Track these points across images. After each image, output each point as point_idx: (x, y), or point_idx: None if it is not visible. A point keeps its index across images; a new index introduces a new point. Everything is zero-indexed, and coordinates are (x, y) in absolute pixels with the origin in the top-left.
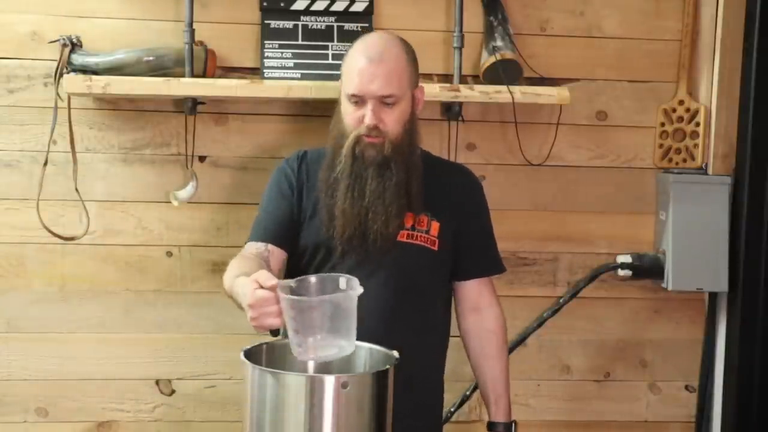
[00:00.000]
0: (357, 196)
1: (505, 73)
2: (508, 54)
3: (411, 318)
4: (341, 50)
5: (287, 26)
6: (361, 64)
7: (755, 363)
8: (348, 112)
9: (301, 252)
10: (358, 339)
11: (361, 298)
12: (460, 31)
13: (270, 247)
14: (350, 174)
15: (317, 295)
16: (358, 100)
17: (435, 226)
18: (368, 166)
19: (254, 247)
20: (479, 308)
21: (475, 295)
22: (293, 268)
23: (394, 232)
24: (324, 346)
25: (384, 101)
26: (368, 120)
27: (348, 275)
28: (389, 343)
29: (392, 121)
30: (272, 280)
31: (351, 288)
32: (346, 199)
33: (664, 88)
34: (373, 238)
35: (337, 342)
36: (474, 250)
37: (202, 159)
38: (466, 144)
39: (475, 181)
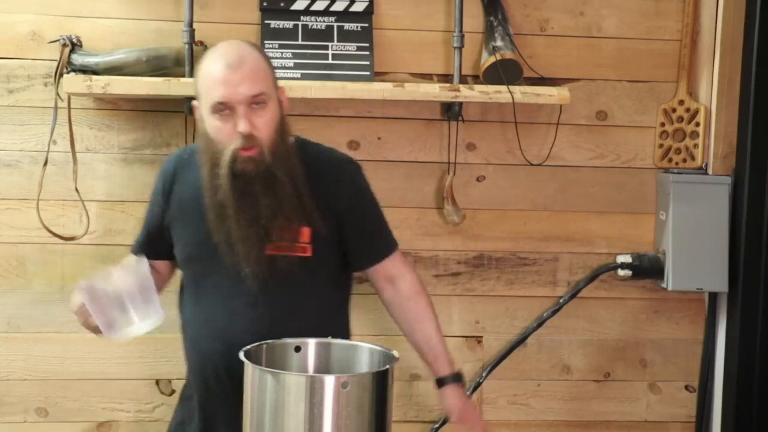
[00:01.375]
0: (251, 218)
1: (505, 73)
2: (508, 54)
3: (291, 333)
4: (341, 50)
5: (287, 26)
6: (222, 73)
7: (755, 363)
8: (216, 127)
9: (180, 267)
10: (230, 368)
11: (235, 320)
12: (460, 31)
13: (153, 262)
14: (234, 194)
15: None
16: (227, 110)
17: (305, 231)
18: (252, 181)
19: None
20: (392, 281)
21: (382, 274)
22: (181, 280)
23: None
24: (126, 323)
25: (255, 102)
26: (242, 127)
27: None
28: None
29: (265, 125)
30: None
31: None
32: (240, 224)
33: (664, 88)
34: (253, 254)
35: (136, 317)
36: (364, 240)
37: None
38: (466, 144)
39: (349, 168)
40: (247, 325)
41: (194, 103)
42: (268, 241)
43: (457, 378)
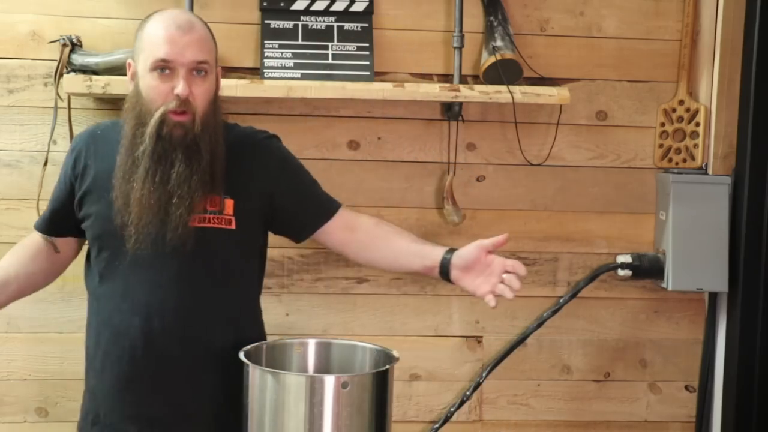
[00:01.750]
0: (159, 182)
1: (505, 73)
2: (508, 54)
3: (213, 311)
4: (341, 50)
5: (287, 26)
6: (171, 32)
7: (755, 363)
8: (152, 86)
9: (91, 242)
10: (148, 341)
11: (154, 294)
12: (460, 31)
13: (51, 238)
14: (152, 155)
15: None
16: (168, 69)
17: (229, 204)
18: (175, 147)
19: (37, 236)
20: (352, 227)
21: (341, 226)
22: (91, 260)
23: (189, 215)
24: None
25: (196, 69)
26: (181, 89)
27: None
28: (193, 337)
29: (202, 94)
30: None
31: None
32: (144, 185)
33: (664, 88)
34: (173, 225)
35: None
36: (306, 205)
37: None
38: (466, 144)
39: (270, 143)
40: (169, 299)
41: (129, 61)
42: (191, 212)
43: (453, 250)
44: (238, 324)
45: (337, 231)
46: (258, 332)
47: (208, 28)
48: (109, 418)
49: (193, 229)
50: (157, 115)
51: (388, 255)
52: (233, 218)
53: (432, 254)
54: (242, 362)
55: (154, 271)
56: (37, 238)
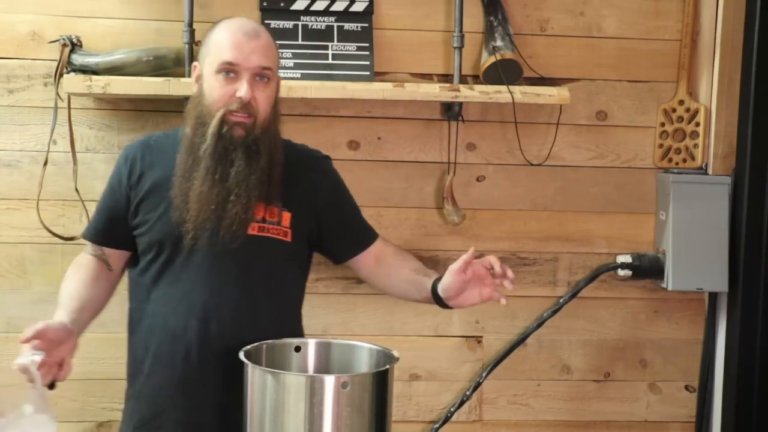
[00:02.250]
0: (218, 179)
1: (505, 73)
2: (508, 54)
3: (264, 317)
4: (341, 50)
5: (287, 26)
6: (238, 37)
7: (755, 363)
8: (216, 87)
9: (146, 248)
10: (204, 343)
11: (211, 296)
12: (460, 31)
13: (106, 249)
14: (213, 154)
15: None
16: (233, 73)
17: (286, 216)
18: (236, 146)
19: (91, 250)
20: (379, 259)
21: (372, 256)
22: (143, 267)
23: (248, 223)
24: None
25: (260, 75)
26: (243, 92)
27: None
28: (245, 342)
29: (264, 100)
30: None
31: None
32: (204, 182)
33: (664, 88)
34: (228, 222)
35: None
36: (349, 230)
37: None
38: (466, 144)
39: (326, 163)
40: (226, 303)
41: (195, 63)
42: (250, 221)
43: (439, 279)
44: (284, 331)
45: (367, 261)
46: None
47: (273, 38)
48: (156, 422)
49: (250, 238)
50: (218, 115)
51: (399, 287)
52: (289, 231)
53: (425, 285)
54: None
55: (213, 275)
56: (88, 260)
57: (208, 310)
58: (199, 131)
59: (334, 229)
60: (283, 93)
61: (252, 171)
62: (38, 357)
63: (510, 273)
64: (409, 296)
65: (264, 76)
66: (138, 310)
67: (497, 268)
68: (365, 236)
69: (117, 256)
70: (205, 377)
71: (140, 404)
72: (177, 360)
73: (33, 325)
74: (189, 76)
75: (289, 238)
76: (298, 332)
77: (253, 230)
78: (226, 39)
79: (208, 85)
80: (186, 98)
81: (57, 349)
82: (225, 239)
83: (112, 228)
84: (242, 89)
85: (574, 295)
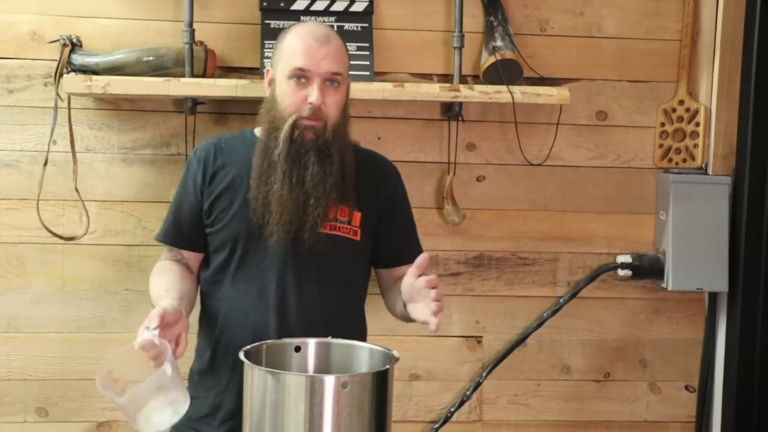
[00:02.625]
0: (296, 183)
1: (505, 73)
2: (508, 54)
3: (336, 312)
4: None
5: (287, 26)
6: (309, 43)
7: (755, 363)
8: (288, 93)
9: (220, 246)
10: (283, 337)
11: (288, 292)
12: (460, 31)
13: (184, 252)
14: (287, 158)
15: None
16: (304, 78)
17: (357, 216)
18: (308, 150)
19: (169, 255)
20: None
21: (397, 275)
22: (217, 264)
23: (322, 222)
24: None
25: (330, 80)
26: (314, 98)
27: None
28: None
29: (334, 105)
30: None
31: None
32: (283, 185)
33: (664, 88)
34: (311, 225)
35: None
36: (401, 238)
37: None
38: (466, 144)
39: (393, 168)
40: (302, 299)
41: (267, 68)
42: (327, 213)
43: None
44: (353, 328)
45: (394, 276)
46: (364, 335)
47: (344, 43)
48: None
49: (324, 235)
50: (290, 120)
51: (396, 308)
52: (359, 230)
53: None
54: None
55: (289, 272)
56: (169, 264)
57: (286, 306)
58: (273, 135)
59: (387, 231)
60: None
61: (327, 174)
62: (156, 332)
63: (435, 307)
64: (398, 313)
65: (334, 81)
66: (211, 307)
67: (433, 294)
68: (408, 252)
69: (194, 259)
70: None
71: (228, 397)
72: None
73: (152, 312)
74: (189, 76)
75: (358, 237)
76: (363, 330)
77: (325, 228)
78: (298, 45)
79: (280, 90)
80: (187, 98)
81: (171, 329)
82: (305, 236)
83: (188, 229)
84: (313, 95)
85: (574, 295)
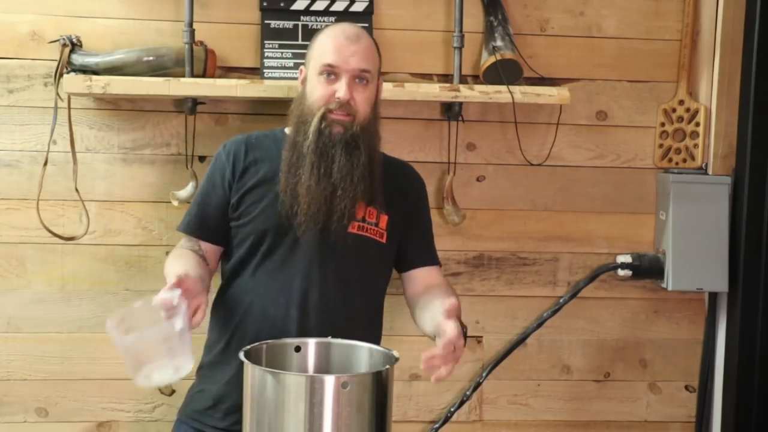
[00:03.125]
0: (323, 174)
1: (505, 73)
2: (508, 54)
3: (356, 312)
4: None
5: (287, 26)
6: (340, 41)
7: (755, 363)
8: (317, 88)
9: (244, 239)
10: (303, 333)
11: (311, 289)
12: (460, 31)
13: (203, 244)
14: (315, 150)
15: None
16: (333, 74)
17: (384, 218)
18: (335, 143)
19: (187, 244)
20: (424, 289)
21: (425, 279)
22: (240, 257)
23: (351, 219)
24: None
25: (360, 77)
26: (342, 93)
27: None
28: (337, 337)
29: (363, 101)
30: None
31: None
32: (311, 176)
33: (664, 88)
34: (338, 216)
35: (172, 364)
36: (422, 242)
37: (202, 159)
38: (466, 144)
39: (419, 176)
40: (324, 295)
41: (301, 67)
42: (352, 218)
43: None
44: (371, 330)
45: (415, 282)
46: (380, 336)
47: (375, 42)
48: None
49: (350, 236)
50: (318, 113)
51: (424, 322)
52: (385, 233)
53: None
54: None
55: (313, 269)
56: (185, 251)
57: (308, 302)
58: (302, 129)
59: (409, 234)
60: (283, 93)
61: (354, 166)
62: (178, 292)
63: (444, 371)
64: (425, 332)
65: (363, 78)
66: (230, 299)
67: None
68: (425, 257)
69: (212, 252)
70: None
71: (234, 390)
72: None
73: (174, 274)
74: (189, 76)
75: (384, 240)
76: (380, 332)
77: (353, 228)
78: (329, 43)
79: (310, 86)
80: (187, 98)
81: (190, 299)
82: (333, 233)
83: (212, 221)
84: (341, 90)
85: (574, 295)
